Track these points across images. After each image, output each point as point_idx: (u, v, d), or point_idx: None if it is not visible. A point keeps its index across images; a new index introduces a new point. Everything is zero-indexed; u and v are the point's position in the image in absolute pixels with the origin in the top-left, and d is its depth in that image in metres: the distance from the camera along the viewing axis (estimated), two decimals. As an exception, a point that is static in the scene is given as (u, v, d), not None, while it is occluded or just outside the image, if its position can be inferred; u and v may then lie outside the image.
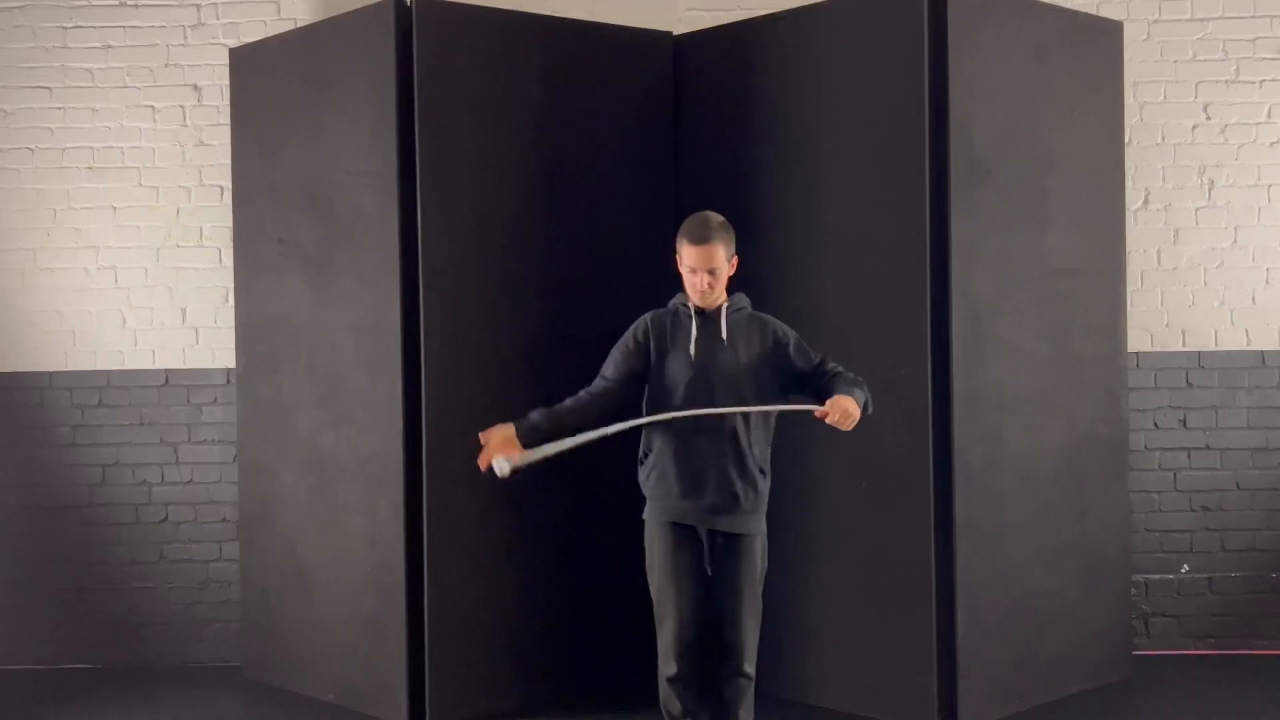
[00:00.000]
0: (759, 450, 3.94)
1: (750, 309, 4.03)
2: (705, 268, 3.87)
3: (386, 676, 4.73)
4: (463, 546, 4.67)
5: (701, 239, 3.87)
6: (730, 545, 3.92)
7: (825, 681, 4.79)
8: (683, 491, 3.89)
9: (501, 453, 3.81)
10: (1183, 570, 5.57)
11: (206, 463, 5.64)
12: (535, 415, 3.90)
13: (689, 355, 3.91)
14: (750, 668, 3.95)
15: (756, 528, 3.96)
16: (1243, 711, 4.79)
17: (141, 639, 5.62)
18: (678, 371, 3.92)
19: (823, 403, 3.81)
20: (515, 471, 3.82)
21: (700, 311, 3.95)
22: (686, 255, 3.90)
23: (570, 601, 4.85)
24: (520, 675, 4.83)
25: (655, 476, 3.94)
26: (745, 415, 3.89)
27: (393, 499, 4.67)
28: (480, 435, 3.88)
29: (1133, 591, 5.32)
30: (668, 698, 3.98)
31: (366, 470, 4.79)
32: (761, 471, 3.95)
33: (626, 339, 4.00)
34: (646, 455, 3.98)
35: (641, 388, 3.98)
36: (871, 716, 4.65)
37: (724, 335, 3.93)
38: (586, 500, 4.81)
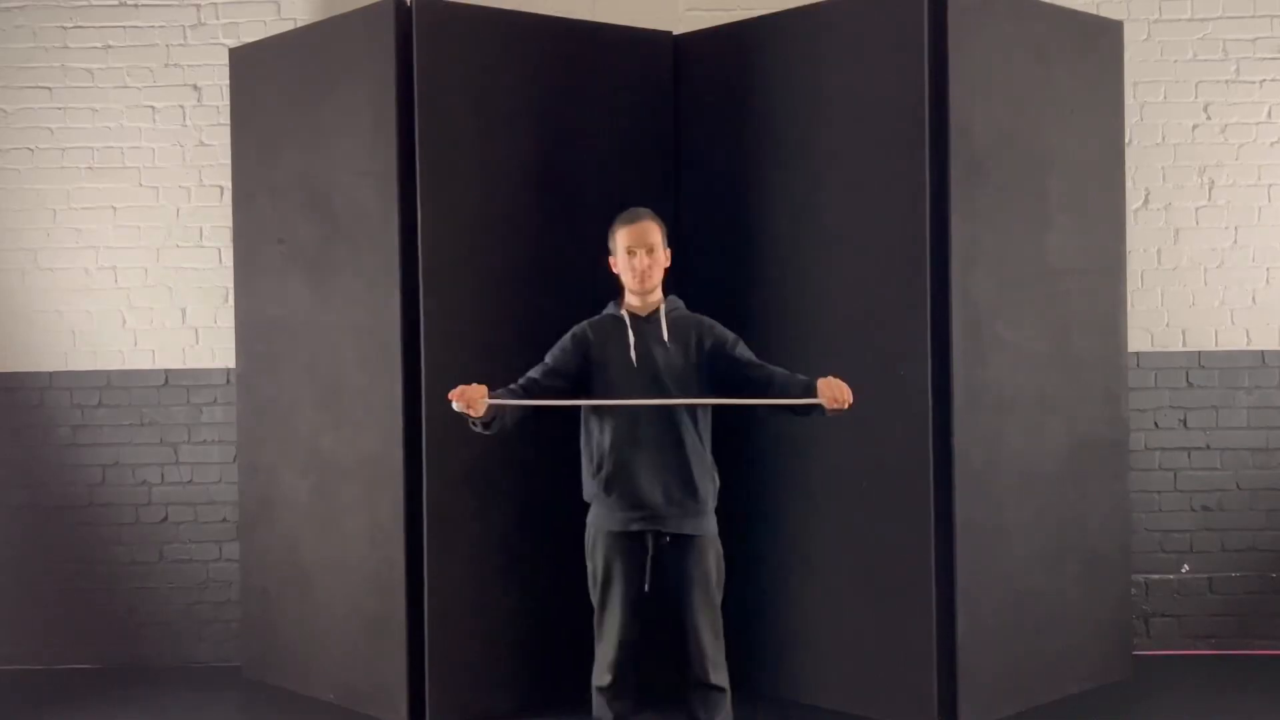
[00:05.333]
0: (706, 450, 3.91)
1: (685, 309, 4.00)
2: (642, 245, 3.89)
3: (386, 676, 4.73)
4: (463, 546, 4.67)
5: (633, 218, 3.94)
6: (680, 549, 3.86)
7: (825, 681, 4.79)
8: (635, 499, 3.83)
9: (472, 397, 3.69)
10: (1183, 570, 5.57)
11: (206, 463, 5.65)
12: (505, 395, 3.81)
13: (630, 361, 3.87)
14: (718, 678, 3.88)
15: (707, 529, 3.90)
16: (1243, 711, 4.79)
17: (141, 639, 5.63)
18: (621, 378, 3.87)
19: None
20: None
21: (635, 316, 3.92)
22: (621, 237, 3.92)
23: (570, 601, 4.83)
24: (520, 675, 4.83)
25: (607, 484, 3.86)
26: (692, 415, 3.85)
27: (393, 499, 4.67)
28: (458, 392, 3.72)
29: (1133, 591, 5.32)
30: (599, 706, 3.93)
31: (366, 470, 4.79)
32: (711, 478, 3.92)
33: (565, 343, 3.97)
34: (601, 465, 3.88)
35: (572, 388, 3.93)
36: (871, 717, 4.65)
37: (665, 336, 3.90)
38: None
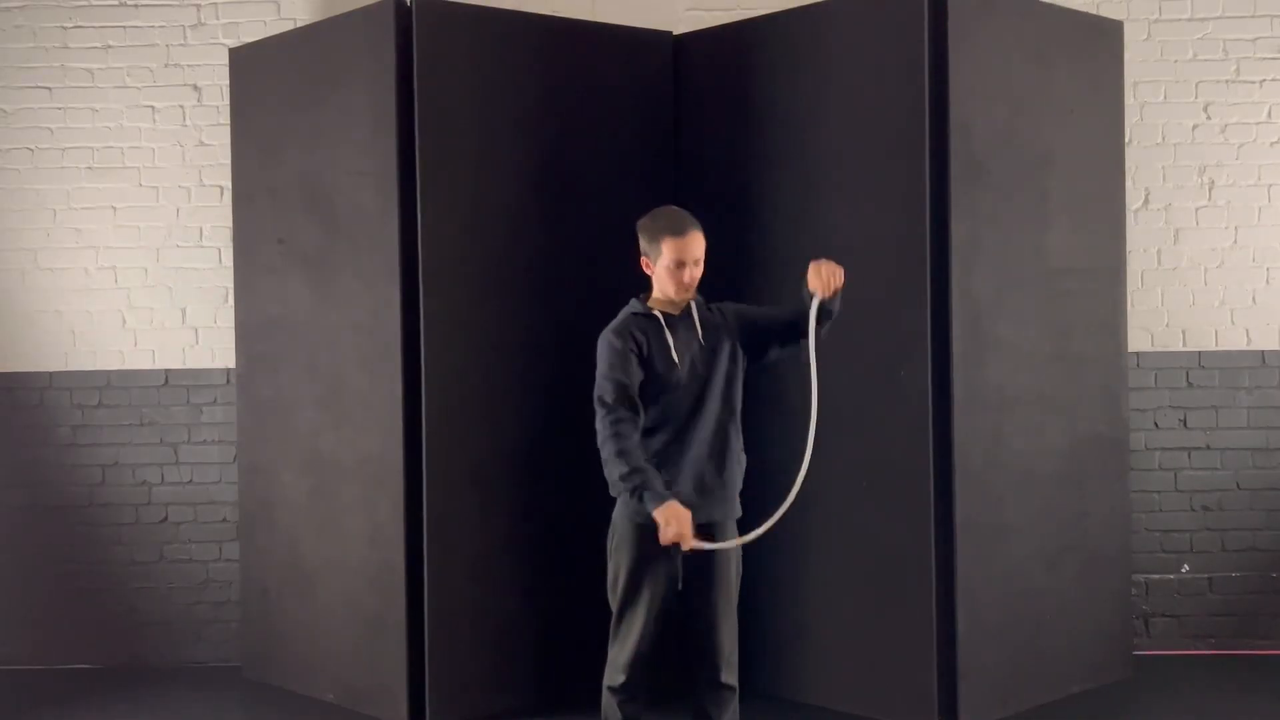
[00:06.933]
0: (740, 442, 3.90)
1: (701, 298, 3.94)
2: (693, 258, 3.80)
3: (386, 676, 4.73)
4: (463, 546, 4.67)
5: (683, 229, 3.79)
6: (707, 537, 3.80)
7: (825, 681, 4.79)
8: (684, 495, 3.74)
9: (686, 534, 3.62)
10: (1183, 570, 5.57)
11: (206, 463, 5.64)
12: (657, 478, 3.67)
13: (673, 361, 3.80)
14: (732, 678, 3.86)
15: (732, 513, 3.88)
16: (1243, 711, 4.79)
17: (141, 639, 5.62)
18: (667, 380, 3.79)
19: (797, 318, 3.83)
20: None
21: (668, 315, 3.85)
22: (671, 250, 3.77)
23: (570, 601, 4.84)
24: (520, 675, 4.83)
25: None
26: (729, 404, 3.84)
27: (393, 499, 4.67)
28: (670, 525, 3.60)
29: (1133, 591, 5.32)
30: (609, 707, 3.88)
31: (366, 470, 4.79)
32: (741, 465, 3.91)
33: (621, 350, 3.75)
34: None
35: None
36: (871, 716, 4.65)
37: (700, 335, 3.85)
38: (586, 500, 4.80)
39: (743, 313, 3.95)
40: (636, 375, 3.76)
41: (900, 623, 4.55)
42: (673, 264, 3.80)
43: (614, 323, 3.86)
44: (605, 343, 3.81)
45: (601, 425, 3.72)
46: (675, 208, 3.94)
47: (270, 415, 5.17)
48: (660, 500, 3.62)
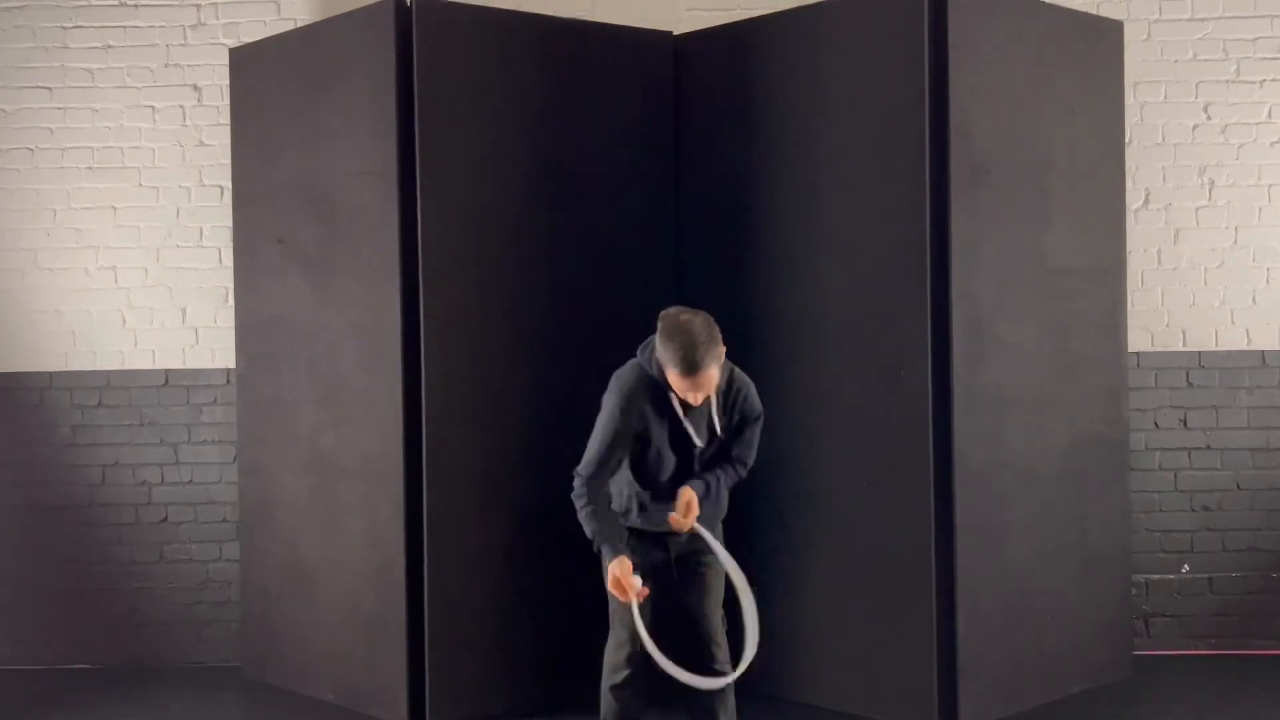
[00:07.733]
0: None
1: (729, 366, 3.82)
2: (700, 391, 3.62)
3: (386, 676, 4.73)
4: (463, 546, 4.67)
5: (695, 369, 3.55)
6: (692, 542, 3.85)
7: (825, 681, 4.79)
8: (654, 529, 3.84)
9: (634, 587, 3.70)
10: (1183, 570, 5.57)
11: (206, 463, 5.64)
12: (618, 536, 3.73)
13: (680, 432, 3.76)
14: (726, 665, 3.89)
15: (719, 517, 3.93)
16: (1243, 711, 4.79)
17: (141, 639, 5.62)
18: (664, 447, 3.78)
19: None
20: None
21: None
22: (678, 383, 3.60)
23: (570, 602, 4.84)
24: (520, 676, 4.83)
25: (635, 519, 3.86)
26: (724, 454, 3.86)
27: (393, 499, 4.67)
28: (620, 583, 3.68)
29: (1133, 591, 5.32)
30: (609, 706, 3.89)
31: (366, 470, 4.79)
32: (723, 504, 3.93)
33: (615, 420, 3.71)
34: (629, 506, 3.85)
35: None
36: (871, 716, 4.65)
37: (713, 418, 3.80)
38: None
39: (743, 426, 3.87)
40: (624, 448, 3.75)
41: (900, 623, 4.55)
42: (679, 389, 3.66)
43: (625, 380, 3.76)
44: (609, 408, 3.74)
45: (576, 496, 3.76)
46: (698, 326, 3.59)
47: (270, 415, 5.17)
48: (613, 555, 3.69)
